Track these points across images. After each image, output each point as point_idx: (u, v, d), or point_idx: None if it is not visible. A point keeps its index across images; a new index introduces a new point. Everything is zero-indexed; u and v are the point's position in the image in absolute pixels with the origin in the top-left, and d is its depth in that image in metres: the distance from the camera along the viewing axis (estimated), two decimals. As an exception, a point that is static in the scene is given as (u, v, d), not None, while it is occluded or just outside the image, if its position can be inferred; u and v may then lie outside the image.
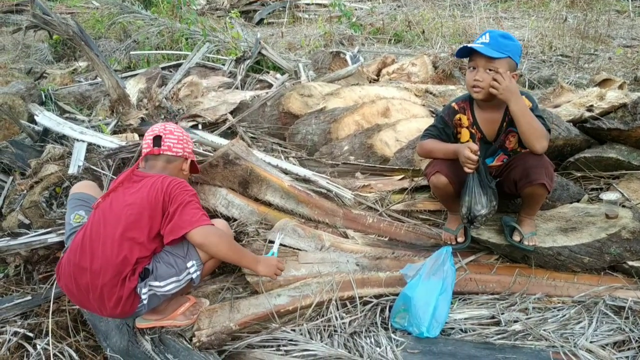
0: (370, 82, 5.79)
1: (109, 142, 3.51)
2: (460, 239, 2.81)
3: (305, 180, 3.23)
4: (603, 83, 5.48)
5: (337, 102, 4.23)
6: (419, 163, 3.50)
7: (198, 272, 2.30)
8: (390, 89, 4.53)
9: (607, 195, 2.91)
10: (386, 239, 3.03)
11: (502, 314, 2.47)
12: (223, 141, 3.67)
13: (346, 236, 3.01)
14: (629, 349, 2.25)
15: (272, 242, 2.76)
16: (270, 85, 5.46)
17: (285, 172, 3.30)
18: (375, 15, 9.88)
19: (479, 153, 2.44)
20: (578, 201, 3.09)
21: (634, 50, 7.18)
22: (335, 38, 8.44)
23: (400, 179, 3.42)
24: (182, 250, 2.25)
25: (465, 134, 2.70)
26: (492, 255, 2.86)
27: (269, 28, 10.33)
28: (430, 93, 4.63)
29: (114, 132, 3.94)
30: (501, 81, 2.37)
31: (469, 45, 2.42)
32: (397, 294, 2.55)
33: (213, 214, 2.97)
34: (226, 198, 3.03)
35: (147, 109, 4.25)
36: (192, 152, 2.65)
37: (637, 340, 2.28)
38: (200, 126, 4.28)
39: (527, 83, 5.94)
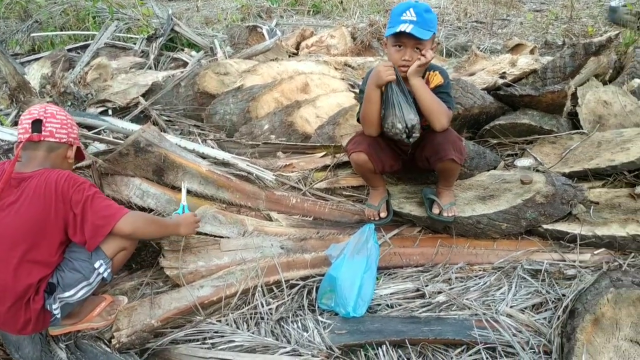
0: (289, 56, 5.68)
1: (9, 134, 3.25)
2: (382, 214, 2.81)
3: (225, 164, 3.12)
4: (516, 48, 5.66)
5: (255, 79, 4.11)
6: (340, 139, 3.47)
7: (108, 270, 2.16)
8: (309, 63, 4.45)
9: (520, 162, 2.99)
10: (311, 219, 2.99)
11: (427, 286, 2.50)
12: (135, 127, 3.48)
13: (270, 219, 2.95)
14: (546, 310, 2.33)
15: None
16: (185, 64, 5.24)
17: (203, 156, 3.17)
18: (293, -15, 9.69)
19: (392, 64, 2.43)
20: (495, 168, 3.16)
21: (543, 14, 7.43)
22: (252, 11, 8.22)
23: (322, 156, 3.38)
24: (85, 252, 2.09)
25: None
26: (415, 227, 2.88)
27: (184, 2, 9.91)
28: (349, 66, 4.60)
29: (15, 124, 3.65)
30: (428, 57, 2.38)
31: (406, 30, 2.33)
32: (323, 275, 2.51)
33: (127, 206, 2.81)
34: (140, 188, 2.87)
35: (51, 96, 3.96)
36: (77, 137, 2.32)
37: (553, 301, 2.37)
38: (110, 112, 4.04)
39: (444, 51, 6.03)
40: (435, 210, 2.68)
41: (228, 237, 2.73)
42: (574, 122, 3.51)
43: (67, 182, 2.02)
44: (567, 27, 6.70)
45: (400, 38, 2.41)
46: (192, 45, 5.85)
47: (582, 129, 3.38)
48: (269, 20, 7.86)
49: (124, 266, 2.63)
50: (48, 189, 2.00)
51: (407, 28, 2.33)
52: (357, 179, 3.18)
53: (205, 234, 2.71)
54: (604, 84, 3.73)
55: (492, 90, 3.57)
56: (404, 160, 2.85)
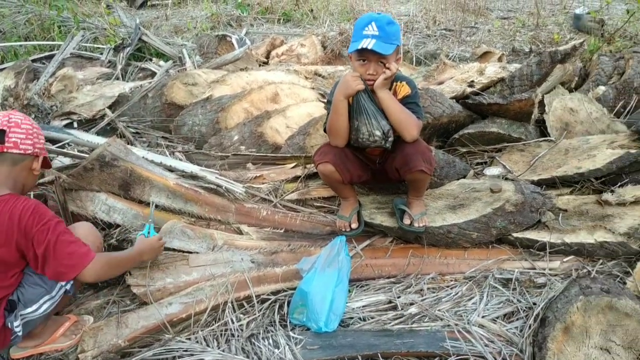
0: (260, 65, 5.65)
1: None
2: (354, 225, 2.79)
3: (193, 177, 3.06)
4: (484, 56, 5.72)
5: (224, 89, 4.06)
6: (310, 149, 3.44)
7: (68, 286, 2.10)
8: (278, 72, 4.42)
9: (490, 171, 3.01)
10: (282, 231, 2.95)
11: (399, 297, 2.48)
12: (101, 140, 3.40)
13: (240, 232, 2.90)
14: (517, 319, 2.34)
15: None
16: (153, 74, 5.17)
17: (171, 169, 3.11)
18: (262, -6, 9.66)
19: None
20: (464, 177, 3.17)
21: (510, 21, 7.54)
22: (222, 19, 8.16)
23: (293, 167, 3.35)
24: None
25: None
26: (387, 237, 2.87)
27: (153, 10, 9.79)
28: (320, 75, 4.58)
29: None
30: (393, 70, 2.38)
31: (367, 47, 2.31)
32: (294, 288, 2.48)
33: (92, 222, 2.74)
34: (106, 203, 2.80)
35: (13, 109, 3.85)
36: (43, 146, 2.19)
37: (524, 310, 2.38)
38: (75, 124, 3.94)
39: (414, 59, 6.07)
40: (406, 221, 2.67)
41: (197, 252, 2.68)
42: (542, 129, 3.55)
43: (32, 217, 1.92)
44: (534, 35, 6.81)
45: (364, 53, 2.40)
46: (161, 55, 5.78)
47: (550, 136, 3.42)
48: (239, 29, 7.82)
49: (88, 285, 2.56)
50: (11, 222, 1.91)
51: (369, 44, 2.32)
52: (328, 190, 3.15)
53: (174, 250, 2.65)
54: (570, 91, 3.79)
55: (461, 99, 3.59)
56: (374, 170, 2.84)
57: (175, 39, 7.30)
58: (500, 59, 5.51)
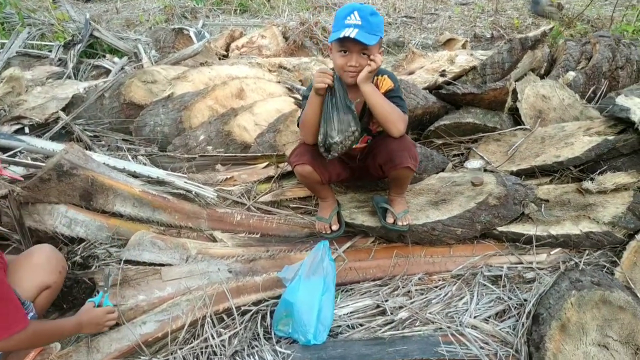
0: (219, 58, 5.43)
1: None
2: (334, 227, 2.66)
3: (160, 182, 2.87)
4: (448, 43, 5.67)
5: (186, 86, 3.85)
6: (282, 147, 3.29)
7: (31, 313, 1.91)
8: (242, 66, 4.23)
9: (471, 164, 2.93)
10: (258, 236, 2.80)
11: (386, 301, 2.38)
12: (56, 146, 3.17)
13: (214, 239, 2.74)
14: (509, 317, 2.27)
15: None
16: (108, 72, 4.89)
17: (135, 175, 2.91)
18: (217, -16, 9.37)
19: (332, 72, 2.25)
20: (443, 170, 3.08)
21: (470, 7, 7.53)
22: (177, 11, 7.85)
23: (265, 167, 3.20)
24: None
25: None
26: (369, 237, 2.76)
27: (102, 4, 9.36)
28: (284, 68, 4.41)
29: None
30: (377, 62, 2.23)
31: (350, 35, 2.17)
32: (277, 297, 2.36)
33: (52, 237, 2.53)
34: (67, 216, 2.59)
35: (-45, 115, 3.56)
36: None
37: (515, 307, 2.31)
38: (26, 130, 3.66)
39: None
40: (390, 220, 2.56)
41: (170, 265, 2.50)
42: (515, 117, 3.50)
43: None
44: (494, 20, 6.81)
45: (345, 43, 2.26)
46: (114, 51, 5.48)
47: (524, 124, 3.37)
48: (195, 21, 7.54)
49: (52, 306, 2.36)
50: None
51: (351, 33, 2.18)
52: (303, 190, 3.02)
53: (144, 264, 2.47)
54: (540, 77, 3.75)
55: (434, 89, 3.50)
56: (353, 167, 2.71)
57: (128, 34, 6.98)
58: (464, 46, 5.48)
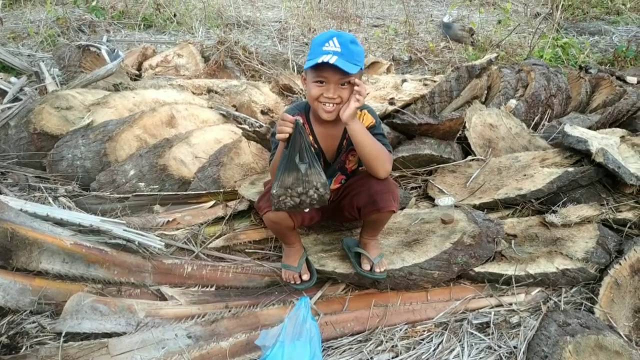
0: (132, 78, 4.95)
1: None
2: (305, 276, 2.39)
3: (94, 231, 2.44)
4: (372, 66, 5.60)
5: (108, 113, 3.39)
6: (228, 182, 2.97)
7: None
8: (169, 91, 3.84)
9: (442, 201, 2.78)
10: (213, 289, 2.46)
11: (372, 359, 2.14)
12: (-46, 189, 2.61)
13: (162, 296, 2.35)
14: (503, 368, 2.12)
15: None
16: (4, 93, 4.24)
17: (61, 223, 2.45)
18: (115, -5, 8.71)
19: (298, 119, 1.94)
20: (406, 206, 2.92)
21: (382, 29, 7.57)
22: (72, 25, 7.15)
23: (212, 207, 2.85)
24: None
25: None
26: (339, 284, 2.51)
27: (-21, 13, 8.37)
28: (214, 92, 4.07)
29: None
30: (364, 94, 2.00)
31: (329, 62, 1.92)
32: (249, 365, 2.04)
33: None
34: (-21, 280, 2.10)
35: None
36: None
37: (506, 356, 2.17)
38: None
39: (295, 68, 5.68)
40: (366, 267, 2.34)
41: (117, 334, 2.09)
42: (464, 146, 3.43)
43: None
44: (409, 43, 6.88)
45: (323, 72, 2.01)
46: (9, 69, 4.80)
47: (475, 154, 3.31)
48: (94, 35, 6.91)
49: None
50: None
51: (330, 59, 1.95)
52: (258, 232, 2.73)
53: (86, 336, 2.04)
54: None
55: (384, 118, 3.35)
56: (324, 209, 2.46)
57: (17, 48, 6.23)
58: (388, 69, 5.44)
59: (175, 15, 7.76)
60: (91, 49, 4.87)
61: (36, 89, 4.25)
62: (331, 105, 2.06)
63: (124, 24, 7.62)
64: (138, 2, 8.20)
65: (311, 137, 2.22)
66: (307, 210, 2.10)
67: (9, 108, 3.39)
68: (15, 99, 4.06)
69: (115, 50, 4.74)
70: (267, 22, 7.72)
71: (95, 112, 3.35)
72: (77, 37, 6.80)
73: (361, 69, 2.04)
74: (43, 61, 4.91)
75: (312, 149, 2.01)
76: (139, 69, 5.31)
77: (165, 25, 7.58)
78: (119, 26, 7.57)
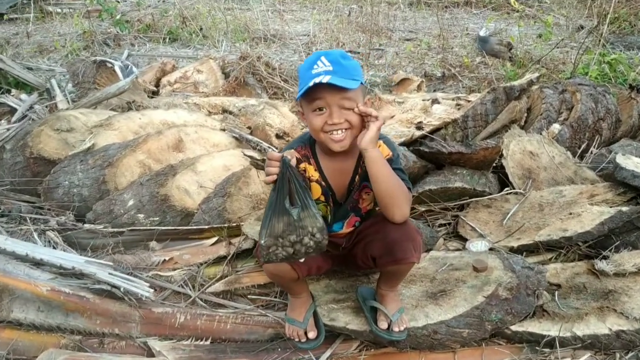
0: (149, 95, 4.74)
1: None
2: (311, 334, 2.06)
3: (76, 274, 2.17)
4: (402, 82, 5.27)
5: (111, 136, 3.16)
6: (234, 214, 2.68)
7: None
8: (180, 111, 3.59)
9: (475, 245, 2.43)
10: (208, 343, 2.16)
11: None
12: None
13: (150, 352, 2.06)
14: None
15: None
16: (13, 111, 4.07)
17: (42, 263, 2.19)
18: (142, 9, 8.61)
19: (285, 157, 1.66)
20: (433, 247, 2.58)
21: (415, 43, 7.23)
22: (98, 38, 7.05)
23: (214, 244, 2.57)
24: None
25: (316, 190, 1.93)
26: (351, 340, 2.18)
27: (12, 25, 8.36)
28: (229, 112, 3.81)
29: None
30: (376, 114, 1.72)
31: (322, 81, 1.63)
32: None
33: None
34: (-61, 333, 1.85)
35: None
36: None
37: None
38: None
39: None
40: (383, 325, 2.00)
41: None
42: (500, 176, 3.06)
43: None
44: (442, 58, 6.53)
45: (319, 97, 1.71)
46: (23, 85, 4.64)
47: (513, 185, 2.94)
48: (118, 49, 6.79)
49: None
50: None
51: (323, 79, 1.65)
52: (263, 275, 2.41)
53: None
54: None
55: (410, 144, 3.01)
56: (335, 256, 2.14)
57: (41, 62, 6.13)
58: (419, 87, 5.09)
59: (201, 29, 7.60)
60: (107, 64, 4.68)
61: (47, 107, 4.07)
62: (340, 132, 1.76)
63: (149, 38, 7.49)
64: (165, 16, 8.08)
65: (318, 174, 1.91)
66: (302, 260, 1.79)
67: (8, 129, 3.18)
68: (24, 117, 3.88)
69: (130, 67, 4.54)
70: (295, 36, 7.48)
71: (97, 134, 3.13)
72: (102, 51, 6.69)
73: (362, 83, 1.74)
74: (55, 77, 4.73)
75: (307, 187, 1.72)
76: (157, 85, 5.11)
77: (190, 38, 7.42)
78: (145, 40, 7.44)
